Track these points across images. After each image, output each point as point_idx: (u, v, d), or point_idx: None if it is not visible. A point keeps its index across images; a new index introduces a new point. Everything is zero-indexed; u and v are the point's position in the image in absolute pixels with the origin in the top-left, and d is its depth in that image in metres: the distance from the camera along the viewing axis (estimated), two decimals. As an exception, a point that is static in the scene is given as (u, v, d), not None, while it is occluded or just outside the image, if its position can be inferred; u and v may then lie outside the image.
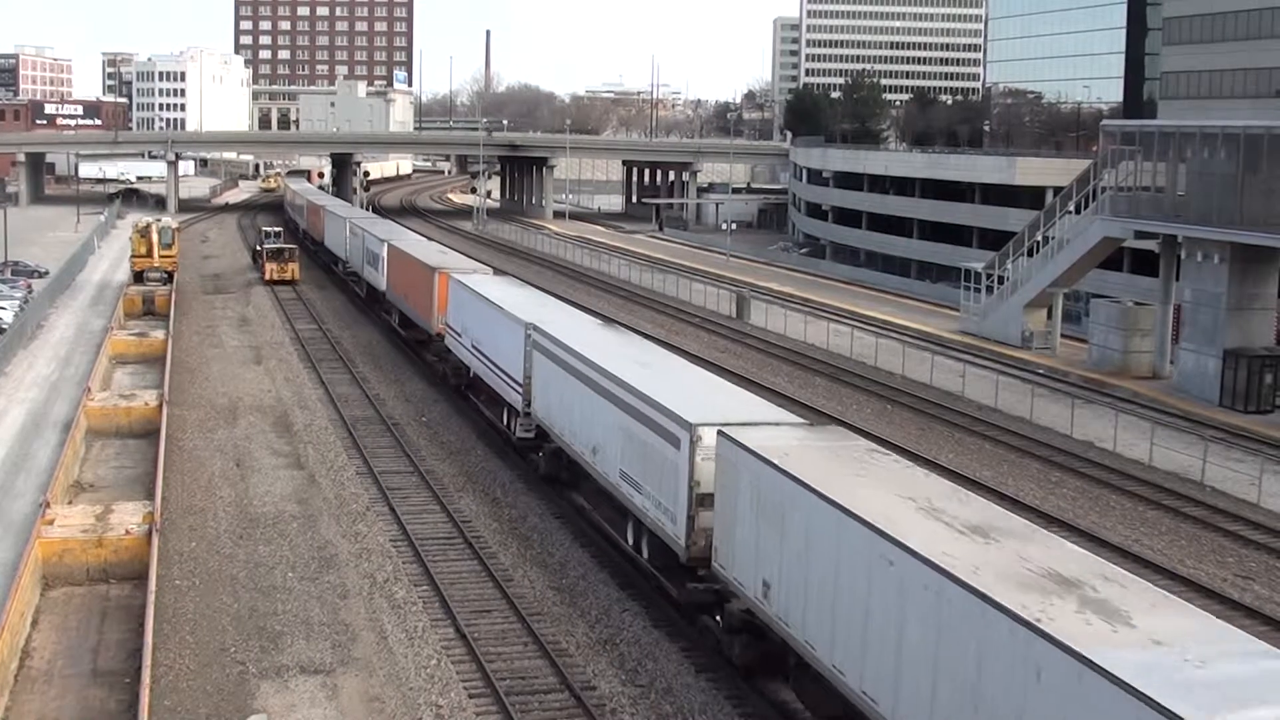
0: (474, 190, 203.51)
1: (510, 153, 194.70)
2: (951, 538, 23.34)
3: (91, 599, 35.55)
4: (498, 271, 73.44)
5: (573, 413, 41.51)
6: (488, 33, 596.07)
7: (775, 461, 28.18)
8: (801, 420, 34.39)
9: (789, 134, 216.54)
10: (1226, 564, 40.12)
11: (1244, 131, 61.94)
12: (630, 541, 37.04)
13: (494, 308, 51.95)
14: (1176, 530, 43.16)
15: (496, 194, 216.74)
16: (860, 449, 30.58)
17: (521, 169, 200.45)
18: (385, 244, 76.86)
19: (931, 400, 61.43)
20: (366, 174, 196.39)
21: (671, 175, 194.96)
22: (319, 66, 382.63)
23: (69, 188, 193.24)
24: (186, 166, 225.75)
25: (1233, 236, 60.69)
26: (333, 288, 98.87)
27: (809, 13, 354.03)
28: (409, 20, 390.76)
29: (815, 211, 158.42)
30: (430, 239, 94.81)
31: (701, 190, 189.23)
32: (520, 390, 47.12)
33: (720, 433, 30.79)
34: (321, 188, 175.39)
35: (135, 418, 53.80)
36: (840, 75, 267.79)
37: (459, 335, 57.62)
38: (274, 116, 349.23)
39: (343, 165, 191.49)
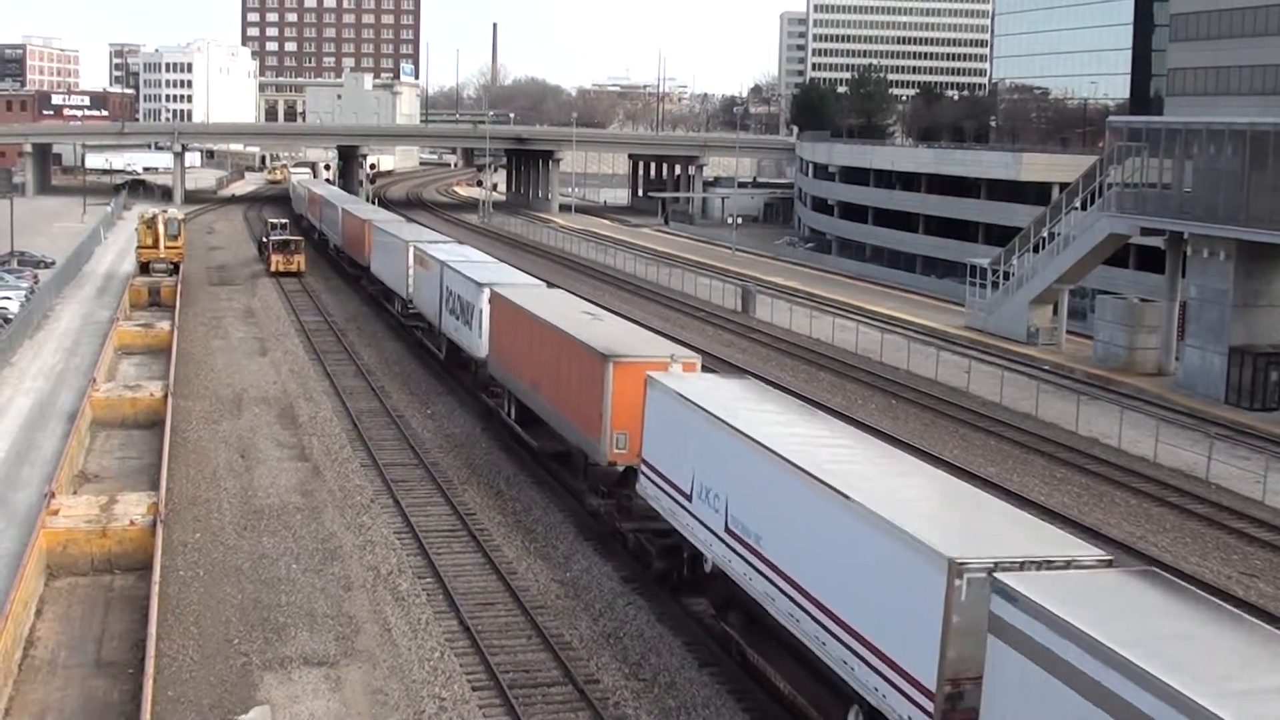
0: (480, 183, 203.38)
1: (516, 146, 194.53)
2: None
3: (95, 589, 35.59)
4: (710, 364, 55.72)
5: None
6: (494, 26, 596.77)
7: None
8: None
9: (795, 128, 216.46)
10: (1231, 561, 40.10)
11: (1250, 129, 61.86)
12: None
13: (795, 476, 27.49)
14: (1181, 527, 43.14)
15: (502, 187, 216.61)
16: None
17: (527, 162, 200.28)
18: (486, 291, 54.14)
19: (937, 396, 61.39)
20: (373, 166, 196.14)
21: (677, 169, 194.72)
22: (326, 59, 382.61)
23: (75, 178, 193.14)
24: (193, 158, 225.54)
25: (1239, 234, 60.61)
26: (338, 279, 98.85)
27: (816, 7, 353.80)
28: (416, 13, 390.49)
29: (821, 206, 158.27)
30: (575, 293, 68.70)
31: (707, 184, 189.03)
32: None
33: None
34: (328, 181, 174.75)
35: (140, 408, 53.88)
36: (847, 70, 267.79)
37: (676, 487, 33.37)
38: (280, 108, 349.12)
39: (349, 158, 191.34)
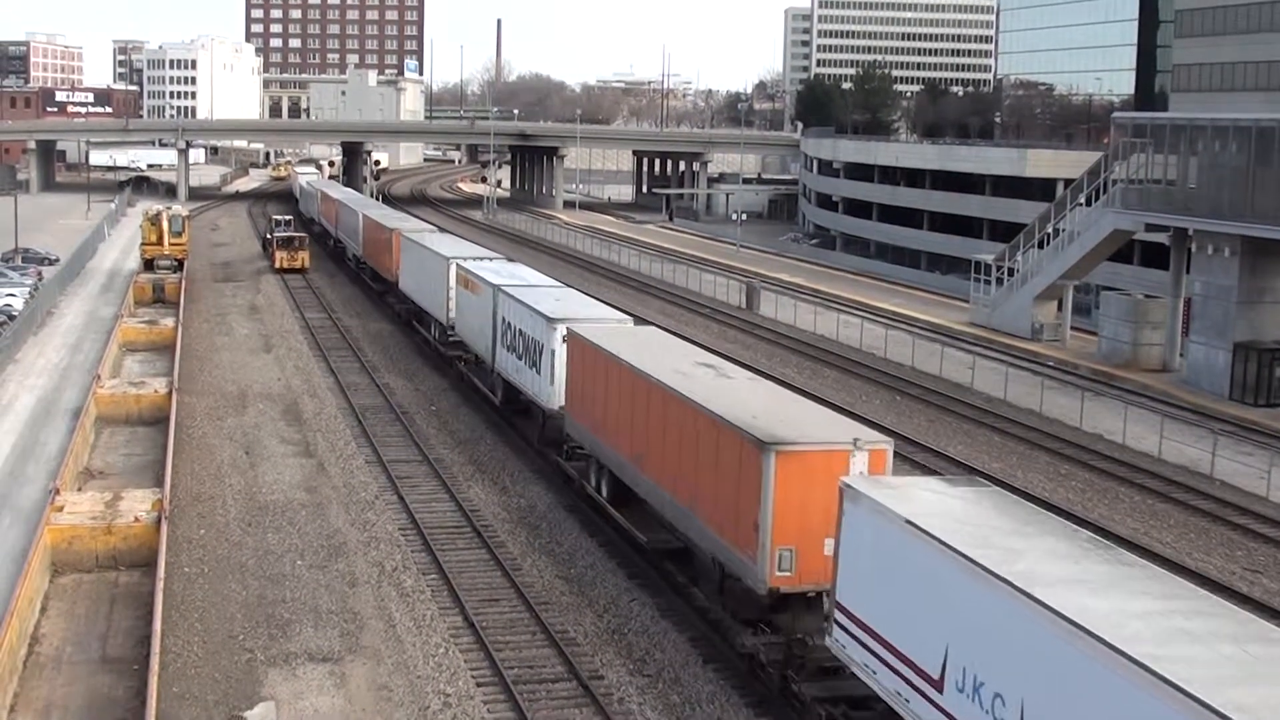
0: (484, 179, 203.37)
1: (521, 142, 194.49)
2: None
3: (100, 586, 35.62)
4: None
5: None
6: (499, 22, 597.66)
7: None
8: None
9: (800, 125, 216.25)
10: (1235, 557, 40.08)
11: (1255, 125, 61.81)
12: None
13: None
14: (1185, 523, 43.11)
15: (507, 183, 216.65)
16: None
17: (532, 158, 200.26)
18: (559, 329, 44.61)
19: (941, 392, 61.37)
20: (377, 163, 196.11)
21: (682, 165, 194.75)
22: (330, 55, 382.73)
23: (79, 175, 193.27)
24: (197, 154, 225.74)
25: (1243, 230, 60.54)
26: (342, 276, 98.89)
27: (820, 3, 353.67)
28: (420, 9, 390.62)
29: (826, 202, 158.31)
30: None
31: (712, 180, 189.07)
32: None
33: None
34: (333, 177, 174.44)
35: (145, 405, 53.93)
36: (851, 66, 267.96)
37: (908, 660, 23.69)
38: (284, 105, 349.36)
39: (353, 154, 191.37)
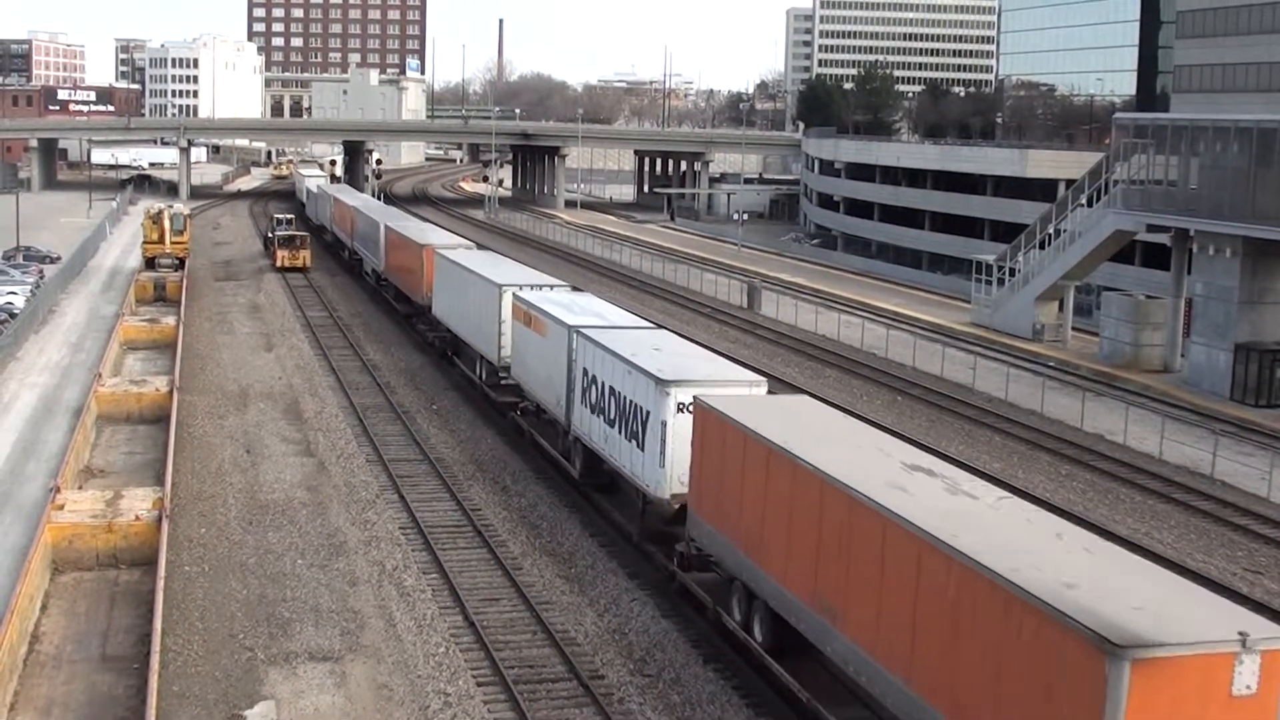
0: (486, 179, 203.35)
1: (522, 141, 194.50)
2: None
3: (101, 584, 35.62)
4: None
5: None
6: (500, 21, 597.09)
7: None
8: None
9: (801, 125, 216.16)
10: (1236, 558, 40.07)
11: (1257, 126, 61.80)
12: None
13: None
14: (1186, 524, 43.11)
15: (508, 183, 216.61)
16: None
17: (533, 158, 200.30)
18: (674, 394, 35.22)
19: (942, 392, 61.37)
20: (379, 162, 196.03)
21: (683, 165, 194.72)
22: (331, 54, 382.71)
23: (81, 174, 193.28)
24: (199, 153, 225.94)
25: (1245, 230, 60.53)
26: (344, 275, 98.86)
27: (822, 3, 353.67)
28: (422, 8, 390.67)
29: (827, 202, 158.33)
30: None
31: (713, 180, 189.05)
32: None
33: None
34: (335, 178, 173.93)
35: (146, 403, 53.93)
36: (853, 66, 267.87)
37: None
38: (286, 104, 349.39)
39: (355, 153, 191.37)
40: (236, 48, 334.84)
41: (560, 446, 45.06)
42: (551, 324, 45.43)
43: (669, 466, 34.79)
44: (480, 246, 79.31)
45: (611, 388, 38.97)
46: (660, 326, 49.89)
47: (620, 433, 38.26)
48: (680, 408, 34.58)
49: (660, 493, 35.30)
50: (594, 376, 40.66)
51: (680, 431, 34.18)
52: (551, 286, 54.51)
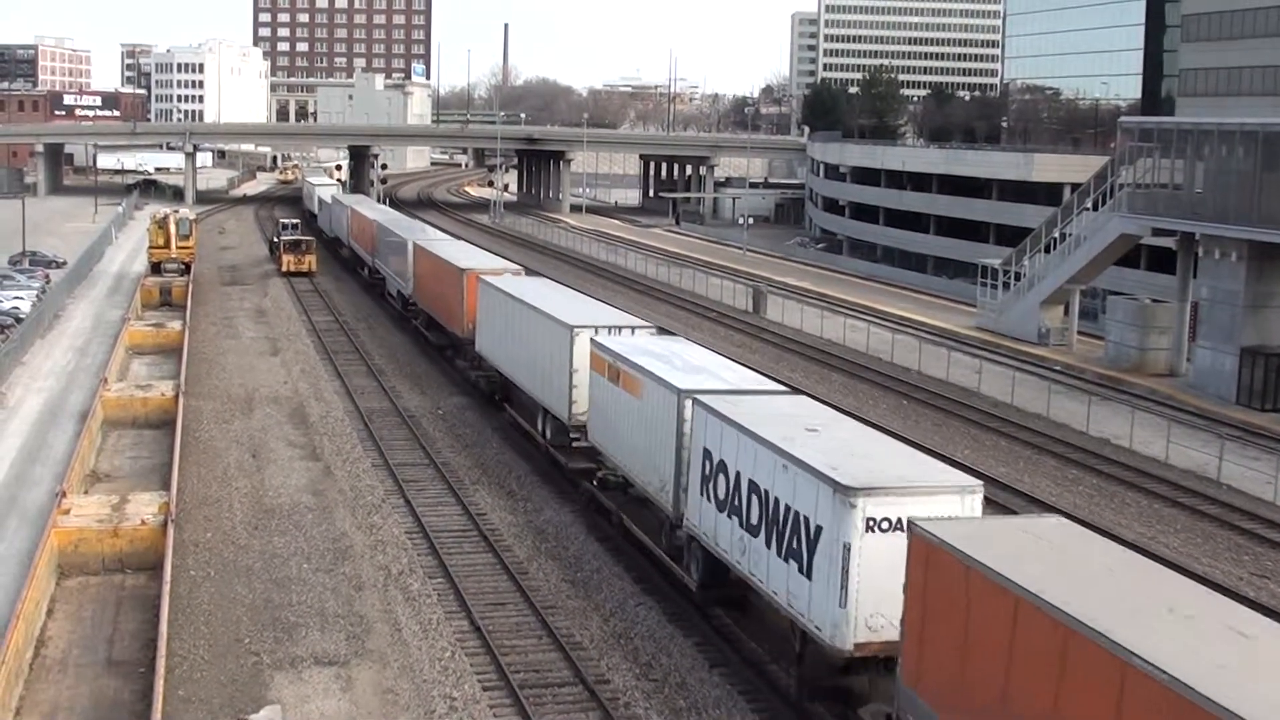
0: (491, 183, 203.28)
1: (527, 146, 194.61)
2: None
3: (107, 589, 35.64)
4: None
5: None
6: (506, 26, 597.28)
7: None
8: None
9: (806, 129, 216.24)
10: (1242, 562, 40.03)
11: (1262, 129, 61.73)
12: None
13: None
14: (1192, 528, 43.07)
15: (514, 187, 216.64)
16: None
17: (539, 162, 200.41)
18: (864, 506, 25.89)
19: (948, 396, 61.33)
20: (384, 166, 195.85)
21: (689, 169, 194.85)
22: (337, 59, 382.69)
23: (87, 178, 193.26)
24: (204, 158, 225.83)
25: (1250, 234, 60.50)
26: (348, 279, 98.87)
27: (827, 7, 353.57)
28: (427, 13, 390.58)
29: (832, 206, 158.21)
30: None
31: (718, 184, 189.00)
32: None
33: None
34: (340, 181, 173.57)
35: (151, 408, 53.98)
36: (858, 70, 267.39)
37: None
38: (292, 108, 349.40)
39: (360, 158, 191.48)
40: (242, 53, 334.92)
41: (665, 542, 35.62)
42: (650, 384, 36.27)
43: (852, 606, 25.71)
44: (529, 271, 71.23)
45: (752, 482, 29.70)
46: (797, 391, 41.96)
47: (769, 545, 28.92)
48: (870, 525, 25.67)
49: (839, 641, 25.94)
50: (722, 462, 31.25)
51: (871, 558, 25.59)
52: (633, 328, 45.15)
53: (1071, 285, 74.70)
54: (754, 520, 29.61)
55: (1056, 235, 76.70)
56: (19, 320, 71.48)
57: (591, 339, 42.23)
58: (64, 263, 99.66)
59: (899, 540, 24.40)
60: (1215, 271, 63.50)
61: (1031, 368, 67.73)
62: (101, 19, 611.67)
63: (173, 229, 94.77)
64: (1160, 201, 68.28)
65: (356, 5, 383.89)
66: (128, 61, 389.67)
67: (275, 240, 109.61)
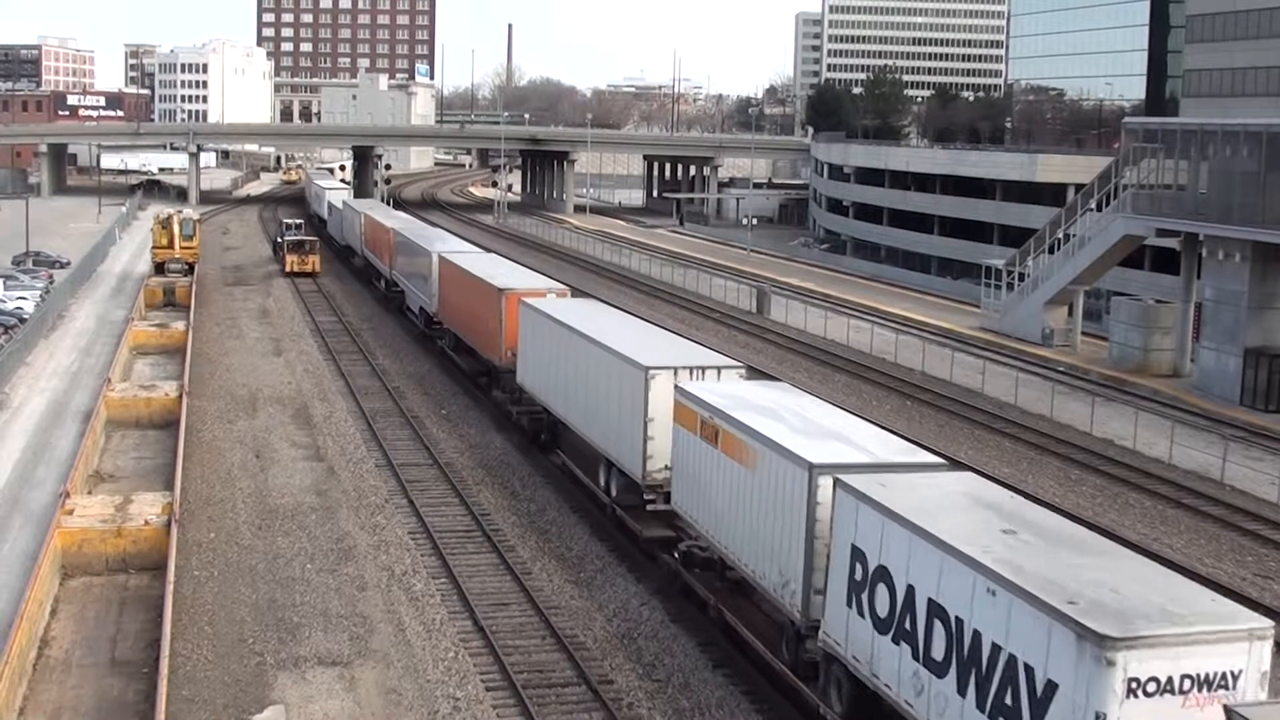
0: (495, 184, 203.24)
1: (531, 147, 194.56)
2: None
3: (110, 589, 35.66)
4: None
5: None
6: (510, 26, 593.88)
7: None
8: None
9: (810, 129, 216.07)
10: (1246, 563, 40.00)
11: (1266, 130, 61.65)
12: None
13: None
14: (1196, 529, 43.04)
15: (517, 188, 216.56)
16: None
17: (542, 163, 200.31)
18: (1119, 667, 19.27)
19: (951, 397, 61.30)
20: (388, 166, 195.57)
21: (692, 170, 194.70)
22: (341, 59, 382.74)
23: (90, 179, 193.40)
24: (208, 158, 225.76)
25: (1254, 235, 60.43)
26: (352, 280, 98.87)
27: (831, 8, 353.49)
28: (431, 14, 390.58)
29: (836, 207, 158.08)
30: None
31: (722, 185, 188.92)
32: None
33: None
34: (344, 182, 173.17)
35: (155, 408, 54.01)
36: (862, 71, 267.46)
37: None
38: (295, 109, 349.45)
39: (364, 158, 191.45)
40: (246, 53, 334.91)
41: (790, 654, 28.87)
42: (766, 452, 29.29)
43: None
44: (576, 291, 65.92)
45: (935, 604, 23.08)
46: (960, 464, 34.79)
47: (963, 693, 22.30)
48: (1133, 688, 19.39)
49: None
50: (883, 570, 24.55)
51: None
52: (719, 369, 38.34)
53: (1075, 286, 74.64)
54: (937, 655, 22.87)
55: (1060, 236, 76.64)
56: (23, 321, 71.50)
57: (676, 386, 35.42)
58: (67, 263, 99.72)
59: (1170, 706, 18.96)
60: (1219, 272, 63.44)
61: (1035, 368, 67.69)
62: (105, 19, 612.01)
63: (176, 229, 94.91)
64: (1164, 202, 68.23)
65: (360, 5, 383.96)
66: (131, 62, 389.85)
67: (279, 240, 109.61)
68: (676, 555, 34.55)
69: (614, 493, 39.84)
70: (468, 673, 30.62)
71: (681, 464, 34.26)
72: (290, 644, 31.95)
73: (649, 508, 37.09)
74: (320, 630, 32.82)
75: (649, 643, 32.41)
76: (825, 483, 26.72)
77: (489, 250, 78.50)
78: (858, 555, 25.24)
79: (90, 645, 31.91)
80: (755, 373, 41.47)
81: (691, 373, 37.31)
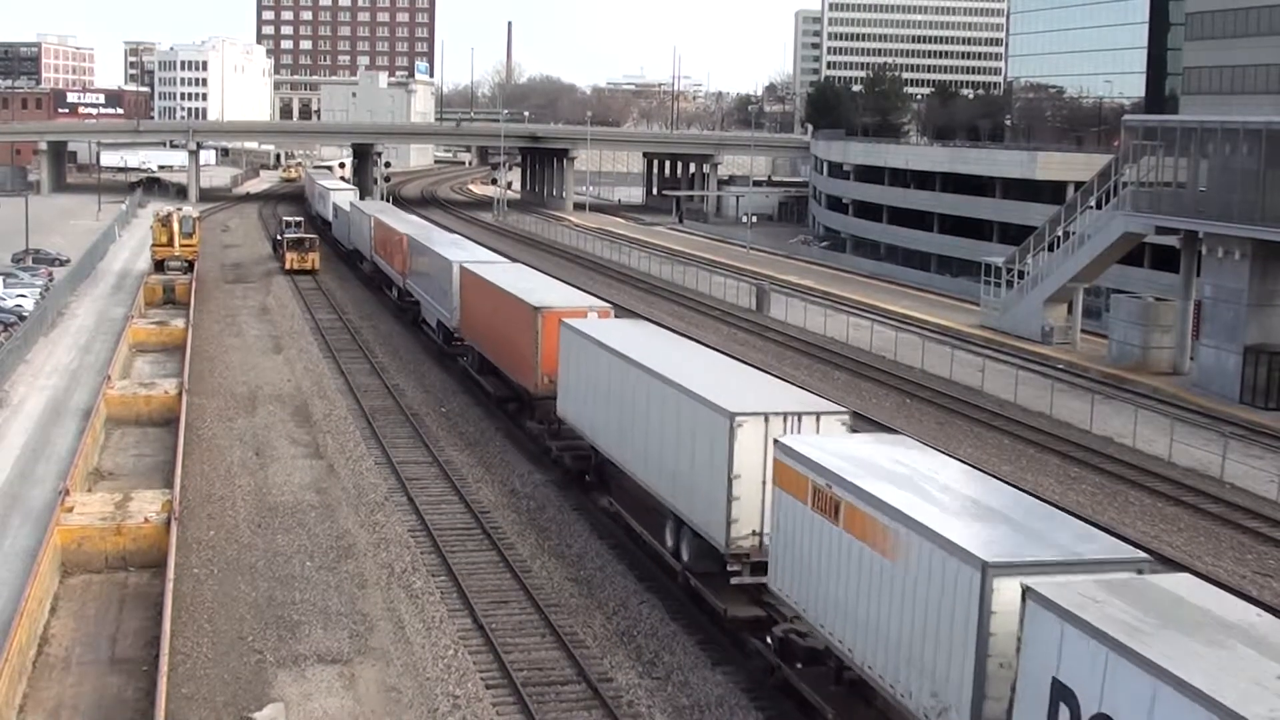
0: (494, 181, 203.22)
1: (531, 144, 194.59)
2: None
3: (110, 586, 35.67)
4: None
5: None
6: (509, 24, 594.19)
7: None
8: None
9: (810, 127, 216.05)
10: (1245, 561, 40.00)
11: (1266, 127, 61.63)
12: None
13: None
14: (1195, 527, 43.03)
15: (517, 185, 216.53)
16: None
17: (542, 160, 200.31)
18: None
19: (951, 395, 61.28)
20: (388, 164, 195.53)
21: (692, 167, 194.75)
22: (340, 57, 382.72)
23: (90, 176, 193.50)
24: (208, 156, 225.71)
25: (1254, 233, 60.41)
26: (352, 278, 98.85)
27: (831, 5, 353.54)
28: (431, 11, 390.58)
29: (836, 205, 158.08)
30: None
31: (722, 183, 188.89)
32: None
33: None
34: (343, 179, 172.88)
35: (155, 406, 54.01)
36: (862, 68, 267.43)
37: None
38: (295, 106, 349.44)
39: (364, 156, 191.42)
40: (245, 51, 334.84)
41: None
42: (916, 541, 23.18)
43: None
44: (620, 310, 62.26)
45: None
46: (1147, 554, 26.14)
47: None
48: None
49: None
50: (1103, 718, 18.45)
51: None
52: (817, 415, 31.68)
53: (1075, 284, 74.63)
54: None
55: (1060, 234, 76.63)
56: (22, 318, 71.53)
57: (777, 442, 28.79)
58: (67, 261, 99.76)
59: None
60: (1219, 270, 63.44)
61: (1035, 366, 67.68)
62: (105, 17, 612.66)
63: (176, 227, 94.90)
64: (1164, 200, 68.22)
65: (360, 3, 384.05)
66: (131, 59, 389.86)
67: (278, 238, 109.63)
68: (771, 643, 28.93)
69: (686, 557, 33.91)
70: (467, 670, 30.62)
71: (785, 537, 27.81)
72: (290, 641, 31.96)
73: (733, 580, 31.57)
74: (320, 628, 32.82)
75: (649, 640, 32.41)
76: (1004, 586, 20.85)
77: (513, 260, 74.00)
78: (1062, 694, 19.09)
79: (90, 643, 31.92)
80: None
81: (785, 419, 30.96)
